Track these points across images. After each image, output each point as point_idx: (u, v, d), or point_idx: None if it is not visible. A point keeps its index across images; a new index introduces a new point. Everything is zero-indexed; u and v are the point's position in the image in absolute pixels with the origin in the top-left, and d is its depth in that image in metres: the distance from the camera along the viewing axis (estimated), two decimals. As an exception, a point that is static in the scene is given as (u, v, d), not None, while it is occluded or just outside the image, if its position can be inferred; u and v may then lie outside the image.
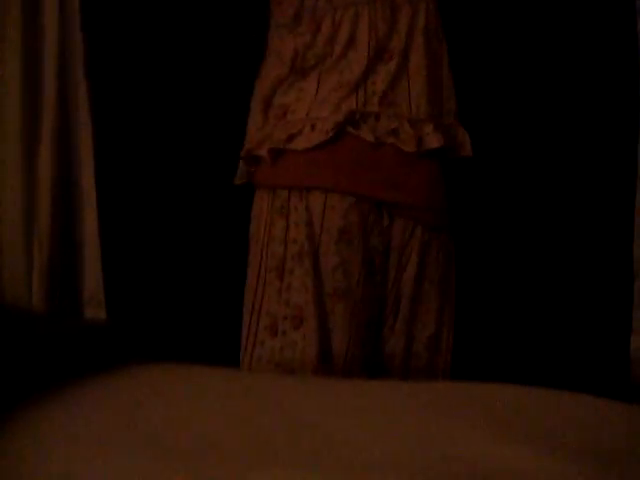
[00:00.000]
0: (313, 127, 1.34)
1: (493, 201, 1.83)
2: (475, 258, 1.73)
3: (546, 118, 1.81)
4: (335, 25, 1.37)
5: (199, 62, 1.84)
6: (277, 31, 1.46)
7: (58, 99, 1.80)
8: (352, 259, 1.34)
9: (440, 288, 1.44)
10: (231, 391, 0.64)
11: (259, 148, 1.41)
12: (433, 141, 1.37)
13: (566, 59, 1.81)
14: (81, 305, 1.79)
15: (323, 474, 0.47)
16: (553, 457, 0.47)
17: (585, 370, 1.75)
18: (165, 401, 0.61)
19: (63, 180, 1.82)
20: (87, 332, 0.69)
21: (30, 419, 0.57)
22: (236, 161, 1.88)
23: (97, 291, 1.78)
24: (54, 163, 1.80)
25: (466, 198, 1.69)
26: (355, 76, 1.35)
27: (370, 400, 0.61)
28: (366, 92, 1.35)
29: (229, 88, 1.87)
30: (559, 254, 1.82)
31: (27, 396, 0.59)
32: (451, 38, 1.46)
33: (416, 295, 1.41)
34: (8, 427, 0.55)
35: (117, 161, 1.86)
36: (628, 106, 1.78)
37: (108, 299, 1.78)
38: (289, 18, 1.41)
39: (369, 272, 1.37)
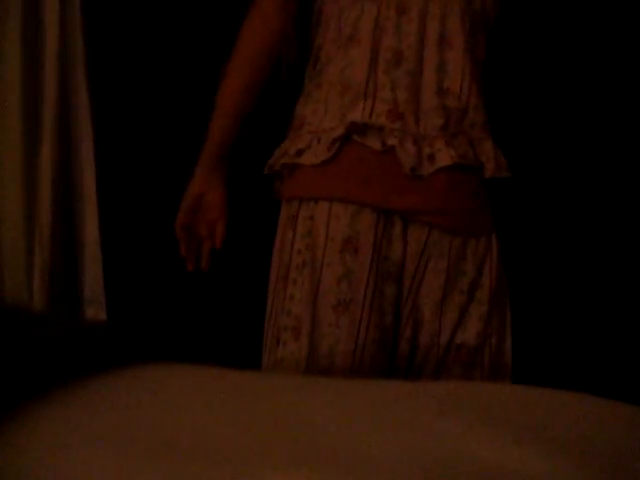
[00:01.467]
0: (319, 140, 1.31)
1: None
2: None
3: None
4: (341, 24, 1.33)
5: (198, 62, 1.84)
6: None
7: (59, 99, 1.80)
8: (358, 269, 1.28)
9: (470, 297, 1.35)
10: (231, 391, 0.64)
11: (276, 163, 1.39)
12: (445, 158, 1.29)
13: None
14: (81, 305, 1.79)
15: (324, 475, 0.46)
16: (557, 458, 0.47)
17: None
18: (165, 401, 0.61)
19: (63, 180, 1.82)
20: (87, 332, 0.69)
21: (30, 419, 0.57)
22: (232, 161, 1.89)
23: (97, 291, 1.78)
24: (54, 163, 1.80)
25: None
26: (358, 79, 1.30)
27: (371, 400, 0.61)
28: (373, 107, 1.29)
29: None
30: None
31: (27, 396, 0.58)
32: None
33: (441, 306, 1.33)
34: (8, 427, 0.55)
35: (118, 161, 1.87)
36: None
37: (108, 299, 1.78)
38: (313, 25, 1.39)
39: (380, 283, 1.30)
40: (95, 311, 1.76)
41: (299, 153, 1.33)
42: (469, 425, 0.52)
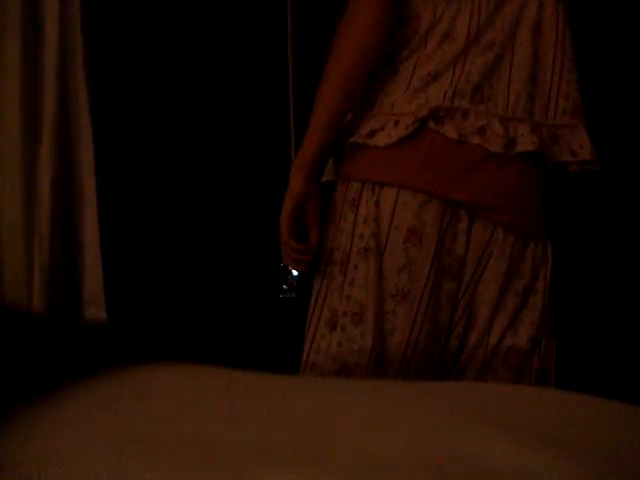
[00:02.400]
0: (396, 123, 1.26)
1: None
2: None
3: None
4: (435, 19, 1.29)
5: (199, 60, 1.84)
6: None
7: (58, 99, 1.80)
8: (420, 261, 1.25)
9: (524, 301, 1.32)
10: (232, 391, 0.64)
11: (342, 140, 1.32)
12: (527, 143, 1.26)
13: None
14: (81, 305, 1.78)
15: (324, 475, 0.46)
16: (558, 458, 0.47)
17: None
18: (165, 401, 0.61)
19: (63, 180, 1.82)
20: (87, 332, 0.68)
21: (29, 419, 0.57)
22: (232, 161, 1.89)
23: (97, 291, 1.78)
24: (54, 163, 1.80)
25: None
26: (446, 66, 1.27)
27: (373, 399, 0.60)
28: (459, 81, 1.26)
29: (225, 89, 1.87)
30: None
31: (27, 396, 0.58)
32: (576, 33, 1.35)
33: (496, 306, 1.30)
34: (8, 427, 0.55)
35: (118, 161, 1.86)
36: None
37: (108, 299, 1.78)
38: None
39: (440, 276, 1.27)
40: (95, 311, 1.75)
41: (372, 134, 1.28)
42: (469, 425, 0.52)
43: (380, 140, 1.27)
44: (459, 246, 1.28)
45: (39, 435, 0.55)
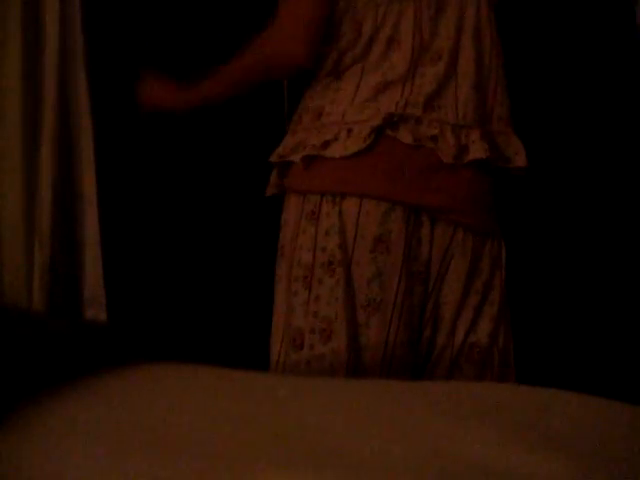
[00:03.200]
0: (349, 132, 1.26)
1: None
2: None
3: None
4: (377, 24, 1.29)
5: (198, 60, 1.84)
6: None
7: (58, 99, 1.80)
8: (390, 269, 1.24)
9: (484, 297, 1.34)
10: (231, 391, 0.64)
11: (292, 154, 1.32)
12: (479, 151, 1.27)
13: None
14: (82, 305, 1.78)
15: (322, 474, 0.46)
16: (558, 458, 0.47)
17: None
18: (165, 401, 0.61)
19: (64, 180, 1.82)
20: (87, 332, 0.68)
21: (30, 419, 0.57)
22: (231, 161, 1.89)
23: (97, 291, 1.78)
24: (54, 163, 1.80)
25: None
26: (398, 77, 1.27)
27: (371, 400, 0.60)
28: (411, 93, 1.26)
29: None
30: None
31: (27, 396, 0.58)
32: (505, 41, 1.38)
33: (459, 305, 1.32)
34: (8, 427, 0.55)
35: (118, 161, 1.87)
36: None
37: (109, 300, 1.78)
38: (337, 22, 1.32)
39: (410, 283, 1.27)
40: (95, 311, 1.75)
41: (325, 145, 1.26)
42: (469, 425, 0.52)
43: (336, 151, 1.26)
44: (424, 250, 1.28)
45: (40, 434, 0.55)
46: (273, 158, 1.38)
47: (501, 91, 1.34)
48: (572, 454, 0.48)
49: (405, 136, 1.25)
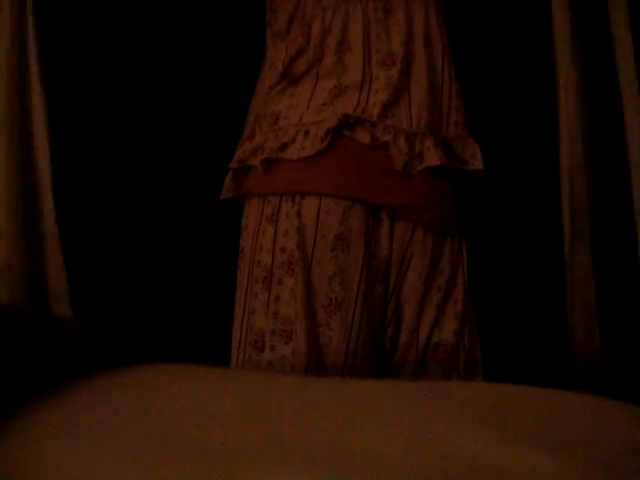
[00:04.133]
0: (307, 133, 1.27)
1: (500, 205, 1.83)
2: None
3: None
4: (325, 27, 1.30)
5: (148, 57, 1.82)
6: (272, 40, 1.40)
7: (11, 93, 1.76)
8: (351, 268, 1.25)
9: (446, 295, 1.35)
10: (230, 391, 0.64)
11: (251, 158, 1.34)
12: (433, 158, 1.29)
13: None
14: (48, 302, 1.75)
15: (321, 474, 0.46)
16: (558, 457, 0.47)
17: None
18: (164, 401, 0.61)
19: (20, 174, 1.79)
20: (85, 332, 0.68)
21: (28, 420, 0.57)
22: (198, 152, 1.87)
23: (61, 287, 1.76)
24: (10, 158, 1.76)
25: (476, 202, 1.67)
26: (353, 82, 1.28)
27: (370, 399, 0.60)
28: (368, 101, 1.28)
29: (187, 84, 1.85)
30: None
31: (25, 397, 0.58)
32: (455, 46, 1.40)
33: (421, 304, 1.33)
34: (7, 427, 0.55)
35: (76, 151, 1.84)
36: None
37: (73, 295, 1.75)
38: (283, 25, 1.35)
39: (370, 281, 1.28)
40: (61, 308, 1.73)
41: (283, 147, 1.28)
42: (469, 425, 0.52)
43: (294, 153, 1.27)
44: (383, 248, 1.29)
45: (39, 435, 0.55)
46: (233, 164, 1.39)
47: (455, 96, 1.36)
48: (574, 454, 0.48)
49: (363, 136, 1.26)
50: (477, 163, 1.37)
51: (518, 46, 1.85)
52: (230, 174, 1.44)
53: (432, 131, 1.31)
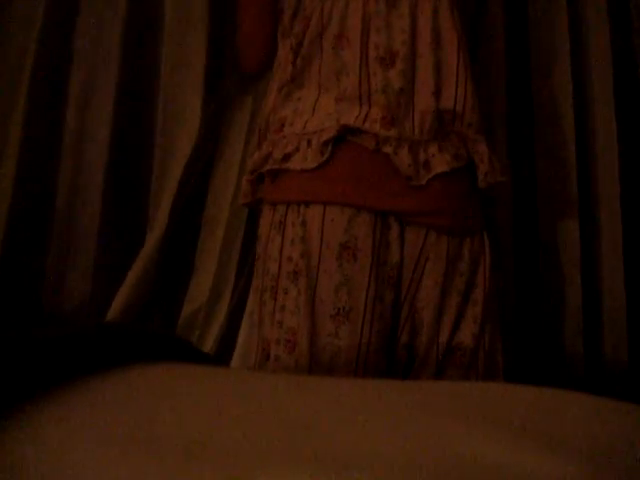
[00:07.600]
0: (309, 143, 1.23)
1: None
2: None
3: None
4: (324, 20, 1.25)
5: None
6: (280, 39, 1.36)
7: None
8: (358, 276, 1.21)
9: (465, 297, 1.30)
10: (230, 391, 0.64)
11: (262, 166, 1.30)
12: (441, 164, 1.23)
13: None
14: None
15: (322, 474, 0.46)
16: (558, 457, 0.47)
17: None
18: (164, 401, 0.61)
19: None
20: (87, 332, 0.68)
21: (29, 419, 0.56)
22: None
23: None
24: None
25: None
26: (353, 86, 1.23)
27: (369, 399, 0.60)
28: (369, 105, 1.23)
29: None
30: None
31: (27, 396, 0.58)
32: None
33: (440, 309, 1.28)
34: (8, 427, 0.55)
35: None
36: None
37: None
38: (288, 21, 1.32)
39: (381, 289, 1.23)
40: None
41: (286, 157, 1.25)
42: (470, 425, 0.53)
43: (297, 163, 1.24)
44: (394, 254, 1.25)
45: (39, 435, 0.56)
46: (247, 176, 1.38)
47: (470, 96, 1.28)
48: (574, 454, 0.48)
49: (367, 141, 1.22)
50: (483, 169, 1.29)
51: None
52: (246, 178, 1.40)
53: (437, 135, 1.25)
